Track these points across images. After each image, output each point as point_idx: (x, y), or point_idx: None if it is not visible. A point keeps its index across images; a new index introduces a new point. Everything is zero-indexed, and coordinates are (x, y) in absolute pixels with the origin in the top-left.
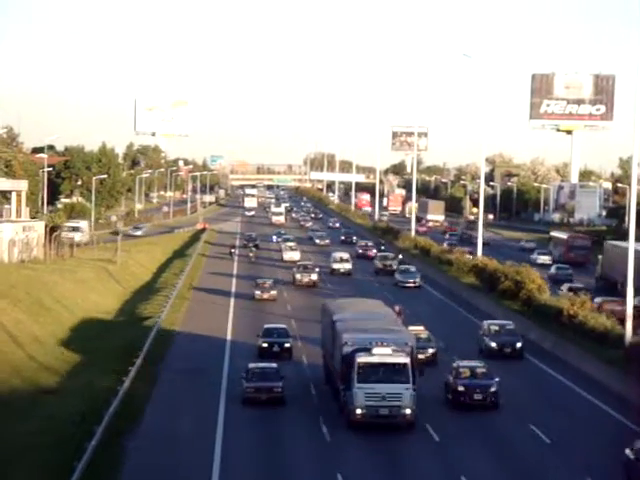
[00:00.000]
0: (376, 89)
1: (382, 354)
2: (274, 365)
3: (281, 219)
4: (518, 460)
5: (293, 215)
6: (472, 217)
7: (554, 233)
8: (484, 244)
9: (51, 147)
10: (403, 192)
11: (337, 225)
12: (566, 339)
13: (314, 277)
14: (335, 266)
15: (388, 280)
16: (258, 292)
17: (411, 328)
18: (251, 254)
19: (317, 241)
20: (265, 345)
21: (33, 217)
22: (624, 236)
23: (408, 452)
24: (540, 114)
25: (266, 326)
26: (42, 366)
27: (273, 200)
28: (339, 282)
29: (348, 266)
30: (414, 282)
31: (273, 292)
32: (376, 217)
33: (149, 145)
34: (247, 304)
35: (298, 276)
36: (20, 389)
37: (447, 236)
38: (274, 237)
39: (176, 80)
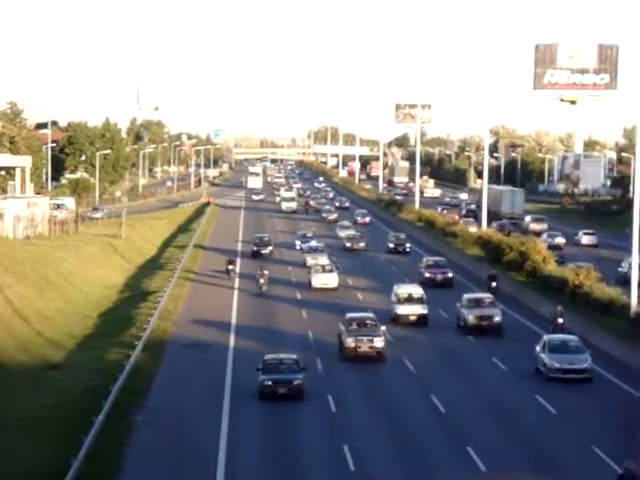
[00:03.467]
0: (379, 61)
1: None
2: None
3: (293, 206)
4: None
5: (311, 202)
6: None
7: (471, 185)
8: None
9: (54, 123)
10: (402, 163)
11: (367, 220)
12: (572, 310)
13: (379, 343)
14: (401, 311)
15: (492, 345)
16: (268, 389)
17: None
18: (262, 280)
19: (347, 245)
20: None
21: (37, 193)
22: (628, 206)
23: None
24: (544, 84)
25: None
26: (48, 341)
27: (282, 179)
28: (411, 346)
29: (422, 310)
30: (583, 372)
31: (297, 382)
32: (380, 189)
33: (152, 120)
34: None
35: (350, 342)
36: (26, 364)
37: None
38: (296, 242)
39: (178, 54)
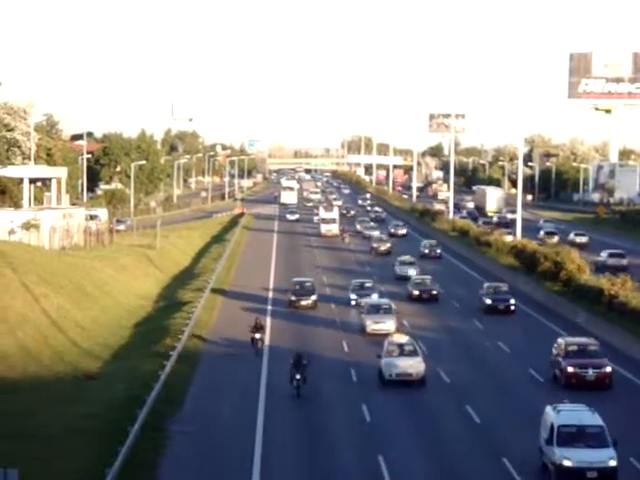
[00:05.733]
0: (413, 71)
1: None
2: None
3: (334, 229)
4: None
5: (357, 227)
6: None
7: (475, 187)
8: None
9: (90, 134)
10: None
11: (438, 252)
12: (609, 321)
13: None
14: (568, 460)
15: None
16: None
17: None
18: (298, 376)
19: (415, 292)
20: None
21: (73, 204)
22: None
23: None
24: (579, 93)
25: None
26: (84, 351)
27: (318, 194)
28: None
29: (609, 462)
30: None
31: None
32: (414, 199)
33: (187, 130)
34: None
35: None
36: (63, 374)
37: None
38: (351, 296)
39: (213, 64)
